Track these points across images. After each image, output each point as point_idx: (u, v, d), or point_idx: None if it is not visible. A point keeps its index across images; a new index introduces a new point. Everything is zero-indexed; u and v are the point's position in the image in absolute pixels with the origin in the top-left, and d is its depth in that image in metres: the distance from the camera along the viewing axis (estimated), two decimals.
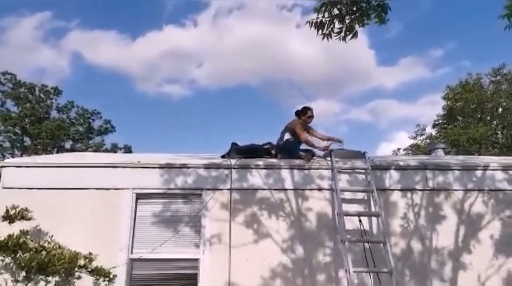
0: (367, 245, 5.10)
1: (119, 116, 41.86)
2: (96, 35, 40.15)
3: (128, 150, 23.99)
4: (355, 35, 3.63)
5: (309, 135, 5.92)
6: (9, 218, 4.56)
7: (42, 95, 24.08)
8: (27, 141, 23.32)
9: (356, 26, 3.59)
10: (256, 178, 5.44)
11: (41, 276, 4.63)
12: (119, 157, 8.03)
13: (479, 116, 22.47)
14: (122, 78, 42.69)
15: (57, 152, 20.88)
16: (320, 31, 3.64)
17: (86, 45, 39.14)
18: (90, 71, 39.38)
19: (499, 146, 21.76)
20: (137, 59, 41.41)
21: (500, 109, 22.22)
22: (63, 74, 37.73)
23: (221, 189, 5.34)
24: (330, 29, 3.65)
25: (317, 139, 6.00)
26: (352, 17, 3.53)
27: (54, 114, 24.47)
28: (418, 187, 5.53)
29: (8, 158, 19.43)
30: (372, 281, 4.96)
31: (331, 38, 3.70)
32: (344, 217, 4.98)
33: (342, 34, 3.66)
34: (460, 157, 7.89)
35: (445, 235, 5.34)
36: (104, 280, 4.72)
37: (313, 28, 3.68)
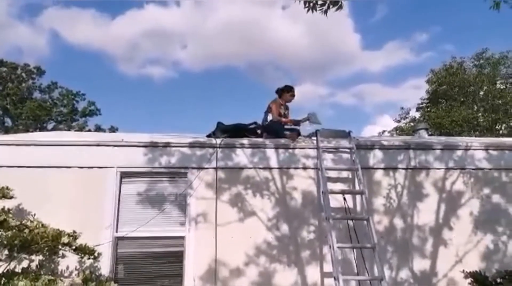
0: (351, 222, 5.19)
1: (100, 97, 41.09)
2: (73, 13, 39.01)
3: (113, 132, 23.68)
4: (340, 7, 3.61)
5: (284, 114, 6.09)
6: None
7: (24, 75, 23.44)
8: (8, 122, 22.81)
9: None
10: (241, 157, 5.44)
11: (24, 255, 4.58)
12: (102, 136, 7.92)
13: (461, 99, 22.81)
14: (102, 58, 41.82)
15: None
16: (306, 4, 3.61)
17: (63, 23, 38.03)
18: (68, 51, 38.43)
19: (480, 128, 22.19)
20: (118, 39, 40.54)
21: (482, 93, 22.59)
22: (41, 53, 36.74)
23: (207, 168, 5.33)
24: (314, 1, 3.63)
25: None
26: None
27: (36, 94, 23.95)
28: (401, 166, 5.62)
29: None
30: (355, 257, 5.07)
31: (315, 10, 3.66)
32: (329, 195, 5.04)
33: (325, 7, 3.64)
34: (442, 138, 8.03)
35: (426, 212, 5.47)
36: (89, 258, 4.67)
37: (297, 2, 3.65)
